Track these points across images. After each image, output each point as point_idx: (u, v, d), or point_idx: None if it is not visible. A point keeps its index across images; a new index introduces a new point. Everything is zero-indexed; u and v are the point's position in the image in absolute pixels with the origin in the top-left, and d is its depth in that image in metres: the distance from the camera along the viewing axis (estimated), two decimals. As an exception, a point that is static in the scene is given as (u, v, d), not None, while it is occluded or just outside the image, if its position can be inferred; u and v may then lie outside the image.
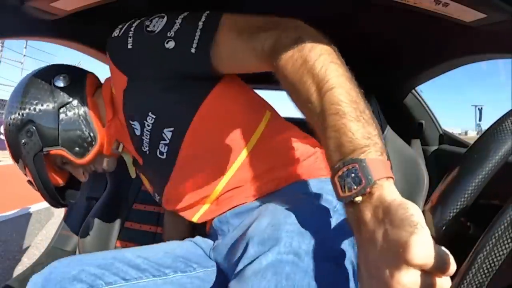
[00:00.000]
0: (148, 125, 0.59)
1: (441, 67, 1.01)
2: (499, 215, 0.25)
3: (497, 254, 0.24)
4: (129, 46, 0.56)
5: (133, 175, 0.77)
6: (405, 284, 0.26)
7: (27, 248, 1.83)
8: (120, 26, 0.60)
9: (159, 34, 0.54)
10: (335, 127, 0.36)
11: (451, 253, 0.28)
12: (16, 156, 0.69)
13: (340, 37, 0.98)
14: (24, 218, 1.89)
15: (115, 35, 0.59)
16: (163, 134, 0.59)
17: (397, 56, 1.07)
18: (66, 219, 1.18)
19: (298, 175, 0.60)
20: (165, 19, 0.56)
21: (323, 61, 0.41)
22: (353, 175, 0.33)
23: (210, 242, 0.66)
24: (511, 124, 0.29)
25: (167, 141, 0.59)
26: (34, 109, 0.66)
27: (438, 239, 0.31)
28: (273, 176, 0.60)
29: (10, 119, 0.67)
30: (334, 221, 0.51)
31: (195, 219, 0.67)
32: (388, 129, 1.11)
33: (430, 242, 0.26)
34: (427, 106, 1.30)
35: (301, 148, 0.63)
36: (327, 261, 0.46)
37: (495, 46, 0.71)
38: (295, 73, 0.42)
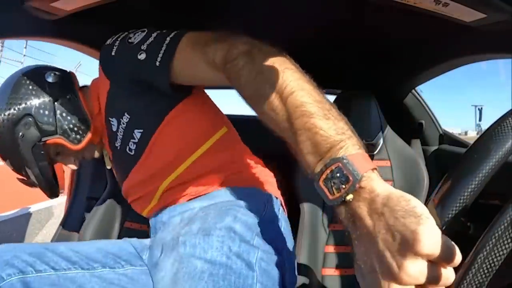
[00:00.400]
0: (123, 123, 0.67)
1: (441, 67, 1.01)
2: (499, 215, 0.25)
3: (497, 254, 0.24)
4: (113, 53, 0.63)
5: (109, 167, 0.84)
6: (413, 274, 0.26)
7: (27, 248, 1.83)
8: (113, 36, 0.67)
9: (135, 46, 0.60)
10: (305, 128, 0.36)
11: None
12: (9, 152, 0.71)
13: (341, 37, 0.99)
14: (24, 218, 1.89)
15: (107, 43, 0.67)
16: (134, 133, 0.66)
17: (397, 56, 1.07)
18: (66, 219, 1.18)
19: (234, 182, 0.67)
20: (144, 33, 0.62)
21: (278, 68, 0.41)
22: (338, 174, 0.32)
23: (145, 242, 0.69)
24: (511, 124, 0.29)
25: (136, 140, 0.67)
26: (30, 103, 0.69)
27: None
28: (211, 181, 0.66)
29: (4, 115, 0.69)
30: (262, 226, 0.58)
31: (144, 213, 0.75)
32: (388, 129, 1.11)
33: (437, 231, 0.26)
34: (427, 106, 1.30)
35: (243, 160, 0.71)
36: (257, 261, 0.53)
37: (495, 46, 0.71)
38: (251, 83, 0.43)
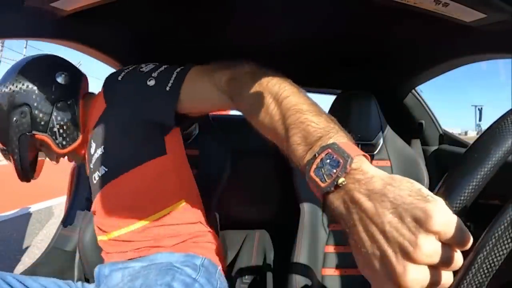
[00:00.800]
0: (98, 153, 0.70)
1: (441, 67, 1.01)
2: (499, 215, 0.25)
3: (497, 254, 0.24)
4: (119, 78, 0.68)
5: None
6: (428, 252, 0.25)
7: (27, 247, 1.83)
8: (123, 68, 0.72)
9: (146, 73, 0.64)
10: (298, 122, 0.37)
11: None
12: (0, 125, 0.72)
13: (341, 37, 0.99)
14: (24, 218, 1.89)
15: (115, 71, 0.71)
16: (100, 168, 0.70)
17: (397, 56, 1.07)
18: (66, 219, 1.18)
19: (175, 249, 0.71)
20: (155, 65, 0.67)
21: (275, 82, 0.45)
22: (328, 160, 0.31)
23: None
24: (511, 124, 0.29)
25: (100, 174, 0.70)
26: (33, 94, 0.71)
27: None
28: (154, 245, 0.70)
29: (6, 87, 0.70)
30: (198, 285, 0.64)
31: (98, 239, 0.77)
32: (388, 129, 1.11)
33: (448, 210, 0.26)
34: (427, 106, 1.30)
35: (194, 230, 0.75)
36: None
37: (495, 46, 0.71)
38: (252, 94, 0.47)
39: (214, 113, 1.25)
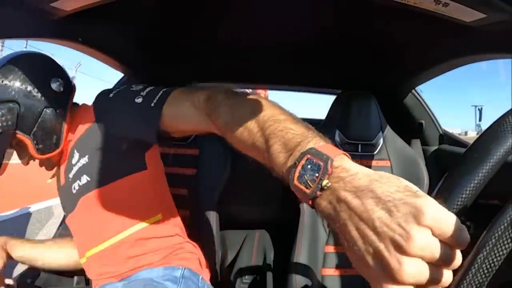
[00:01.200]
0: (81, 163, 0.72)
1: (441, 67, 1.01)
2: (499, 215, 0.25)
3: (497, 254, 0.24)
4: (110, 95, 0.70)
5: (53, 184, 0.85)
6: (420, 244, 0.24)
7: (27, 248, 1.83)
8: (115, 87, 0.76)
9: (135, 92, 0.66)
10: (276, 131, 0.38)
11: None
12: None
13: (341, 37, 0.99)
14: (24, 218, 1.89)
15: (107, 89, 0.74)
16: (82, 177, 0.71)
17: (397, 56, 1.07)
18: (66, 219, 1.18)
19: (155, 264, 0.72)
20: (143, 85, 0.69)
21: (251, 98, 0.47)
22: (309, 166, 0.31)
23: None
24: (511, 124, 0.29)
25: (80, 183, 0.71)
26: (25, 94, 0.70)
27: None
28: (131, 265, 0.71)
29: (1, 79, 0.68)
30: None
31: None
32: (388, 129, 1.11)
33: (440, 206, 0.25)
34: (427, 106, 1.30)
35: (173, 243, 0.76)
36: None
37: (495, 46, 0.71)
38: (228, 110, 0.49)
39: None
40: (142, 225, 0.72)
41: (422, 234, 0.24)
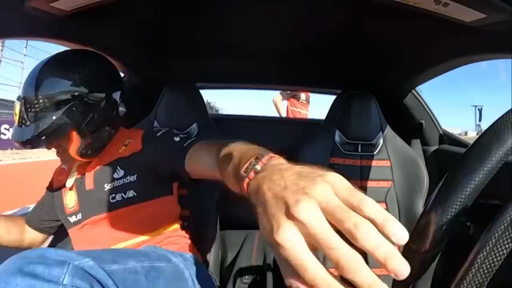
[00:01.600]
0: (127, 179, 0.80)
1: (441, 67, 1.01)
2: (499, 215, 0.25)
3: (497, 254, 0.24)
4: (158, 135, 0.83)
5: (69, 185, 0.85)
6: (321, 190, 0.26)
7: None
8: (162, 128, 0.88)
9: (175, 133, 0.82)
10: (230, 153, 0.45)
11: (451, 253, 0.27)
12: (52, 85, 0.70)
13: (341, 37, 0.99)
14: (24, 218, 1.88)
15: (157, 129, 0.87)
16: (128, 191, 0.79)
17: (397, 56, 1.07)
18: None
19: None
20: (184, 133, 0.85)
21: (227, 142, 0.53)
22: (253, 161, 0.36)
23: None
24: (511, 124, 0.29)
25: (125, 196, 0.79)
26: (93, 95, 0.74)
27: (438, 239, 0.31)
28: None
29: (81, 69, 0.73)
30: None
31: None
32: (388, 129, 1.11)
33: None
34: (427, 106, 1.30)
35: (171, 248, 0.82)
36: None
37: (495, 46, 0.71)
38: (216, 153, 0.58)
39: (214, 113, 1.26)
40: (152, 234, 0.81)
41: (324, 185, 0.26)
